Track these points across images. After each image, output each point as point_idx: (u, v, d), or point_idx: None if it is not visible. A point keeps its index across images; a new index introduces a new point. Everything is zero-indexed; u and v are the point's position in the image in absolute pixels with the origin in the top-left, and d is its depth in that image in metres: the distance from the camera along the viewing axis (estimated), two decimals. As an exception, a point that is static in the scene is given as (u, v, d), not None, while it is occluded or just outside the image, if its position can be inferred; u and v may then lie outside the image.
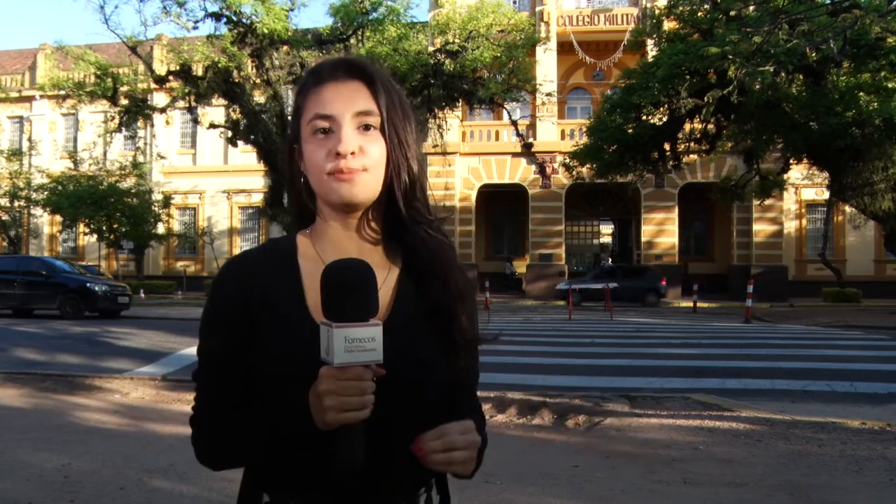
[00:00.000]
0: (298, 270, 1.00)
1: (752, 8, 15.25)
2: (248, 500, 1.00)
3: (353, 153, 0.96)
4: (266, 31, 16.95)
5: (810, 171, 20.41)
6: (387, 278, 1.02)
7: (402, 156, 1.01)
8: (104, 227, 25.40)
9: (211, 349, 1.00)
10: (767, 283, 22.21)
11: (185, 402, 6.01)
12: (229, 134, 19.60)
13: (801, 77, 15.28)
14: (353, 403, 0.84)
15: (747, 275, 21.26)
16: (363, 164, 0.97)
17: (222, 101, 19.81)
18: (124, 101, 19.54)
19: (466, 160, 25.50)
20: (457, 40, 18.34)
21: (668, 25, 18.64)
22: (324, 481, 0.94)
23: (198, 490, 3.65)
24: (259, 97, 18.99)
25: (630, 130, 17.19)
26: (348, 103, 0.98)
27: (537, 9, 25.00)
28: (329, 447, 0.88)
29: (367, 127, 0.98)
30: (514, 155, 25.01)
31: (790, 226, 25.87)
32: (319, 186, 0.99)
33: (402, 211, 1.02)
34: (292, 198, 1.07)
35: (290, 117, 1.07)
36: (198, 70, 18.85)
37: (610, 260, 27.73)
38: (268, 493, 0.98)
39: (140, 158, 27.58)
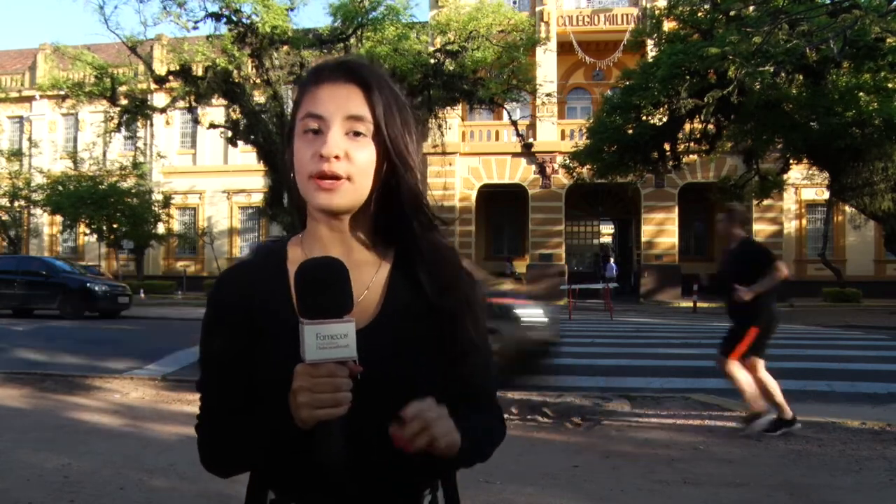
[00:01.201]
0: (287, 276, 1.00)
1: (751, 8, 15.24)
2: (255, 498, 1.01)
3: (336, 157, 0.95)
4: (267, 29, 16.95)
5: (810, 171, 20.40)
6: (375, 277, 1.02)
7: (402, 166, 1.00)
8: (104, 227, 25.40)
9: (213, 353, 1.01)
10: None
11: (185, 402, 6.01)
12: (229, 134, 19.59)
13: (800, 77, 15.28)
14: (327, 400, 0.84)
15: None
16: (347, 170, 0.96)
17: (222, 101, 19.80)
18: (124, 101, 19.54)
19: (466, 160, 25.50)
20: (457, 40, 18.35)
21: (668, 26, 18.64)
22: (323, 483, 0.94)
23: (198, 490, 3.65)
24: (259, 97, 18.99)
25: (630, 131, 17.19)
26: (340, 106, 0.97)
27: (537, 9, 24.99)
28: (311, 448, 0.88)
29: (356, 133, 0.97)
30: (514, 155, 25.00)
31: (790, 226, 25.85)
32: (302, 188, 0.98)
33: (403, 221, 1.01)
34: (290, 193, 1.07)
35: (290, 112, 1.06)
36: (198, 70, 18.84)
37: (612, 259, 27.69)
38: (273, 492, 0.99)
39: (140, 158, 27.57)
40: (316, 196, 0.96)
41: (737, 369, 5.08)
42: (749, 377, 5.08)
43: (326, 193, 0.96)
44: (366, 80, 1.00)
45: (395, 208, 1.01)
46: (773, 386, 5.08)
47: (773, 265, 5.05)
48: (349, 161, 0.96)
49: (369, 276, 1.01)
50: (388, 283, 1.02)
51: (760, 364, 5.11)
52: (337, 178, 0.95)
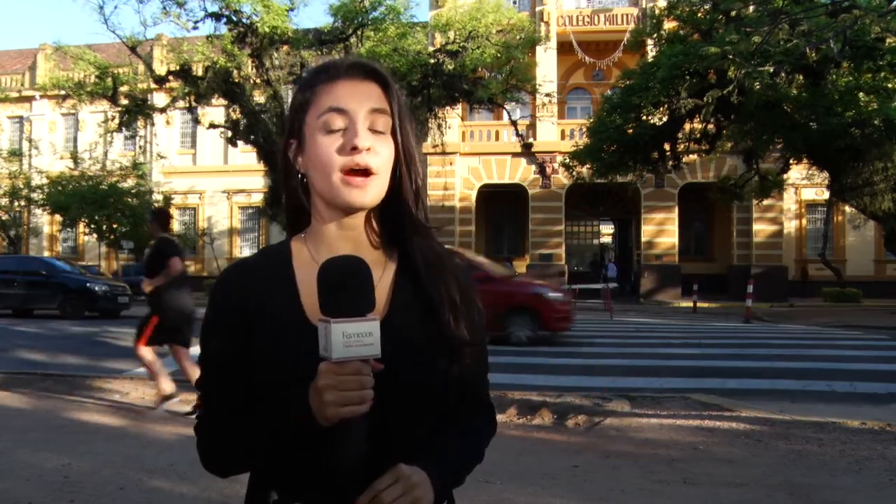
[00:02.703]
0: (294, 277, 1.00)
1: (751, 8, 15.24)
2: (256, 498, 1.01)
3: (367, 149, 0.96)
4: (267, 29, 16.93)
5: (810, 171, 20.37)
6: (382, 276, 1.02)
7: (412, 163, 1.02)
8: (104, 227, 25.40)
9: (212, 354, 1.01)
10: (767, 283, 22.20)
11: (185, 402, 6.00)
12: (229, 134, 19.57)
13: (800, 77, 15.27)
14: (353, 398, 0.85)
15: (747, 275, 21.24)
16: (376, 164, 0.97)
17: (222, 101, 19.77)
18: (124, 101, 19.52)
19: (466, 160, 25.50)
20: (457, 40, 18.34)
21: (668, 26, 18.63)
22: (325, 482, 0.94)
23: (198, 490, 3.65)
24: (259, 97, 18.97)
25: (630, 131, 17.17)
26: (363, 101, 0.98)
27: (537, 9, 24.99)
28: (329, 447, 0.88)
29: (377, 129, 0.99)
30: (514, 155, 25.00)
31: (790, 226, 25.85)
32: (326, 186, 0.98)
33: (405, 217, 1.02)
34: (286, 196, 1.07)
35: (289, 112, 1.05)
36: (198, 70, 18.82)
37: (612, 259, 27.65)
38: (275, 492, 0.99)
39: (140, 158, 27.57)
40: (349, 193, 0.96)
41: (146, 352, 5.72)
42: (156, 360, 5.76)
43: (359, 190, 0.96)
44: (384, 77, 1.02)
45: (399, 207, 1.02)
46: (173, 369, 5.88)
47: (168, 261, 5.69)
48: (376, 154, 0.97)
49: (376, 275, 1.01)
50: (394, 283, 1.03)
51: (181, 351, 5.80)
52: (368, 171, 0.96)
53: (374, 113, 0.98)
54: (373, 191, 0.97)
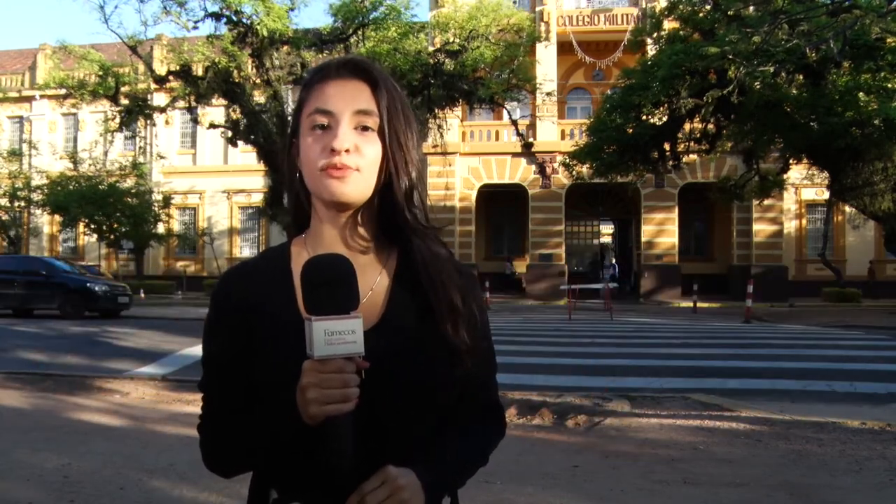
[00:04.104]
0: (291, 278, 1.00)
1: (752, 8, 15.25)
2: (257, 497, 1.02)
3: (347, 150, 0.96)
4: (265, 32, 16.96)
5: (810, 171, 20.38)
6: (380, 278, 1.02)
7: (403, 161, 1.01)
8: (104, 227, 25.39)
9: (212, 355, 1.01)
10: (767, 283, 22.19)
11: (185, 402, 6.01)
12: (229, 134, 19.60)
13: (800, 77, 15.27)
14: (336, 396, 0.85)
15: (747, 275, 21.24)
16: (356, 163, 0.97)
17: (222, 101, 19.80)
18: (125, 101, 19.54)
19: (466, 160, 25.50)
20: (457, 40, 18.35)
21: (668, 25, 18.63)
22: (323, 481, 0.94)
23: (198, 490, 3.65)
24: (259, 97, 18.99)
25: (630, 130, 17.17)
26: (349, 101, 0.98)
27: (537, 9, 24.99)
28: (321, 447, 0.88)
29: (364, 128, 0.98)
30: (514, 155, 25.00)
31: (790, 226, 25.84)
32: (312, 181, 0.99)
33: (399, 217, 1.02)
34: (290, 195, 1.07)
35: (292, 112, 1.06)
36: (198, 70, 18.84)
37: (614, 259, 27.65)
38: (275, 490, 0.99)
39: (140, 158, 27.56)
40: (328, 185, 0.96)
41: None
42: None
43: (338, 181, 0.96)
44: (372, 76, 1.01)
45: (392, 208, 1.02)
46: None
47: None
48: (359, 154, 0.97)
49: (373, 277, 1.02)
50: (391, 285, 1.02)
51: None
52: (347, 168, 0.96)
53: (360, 114, 0.98)
54: (353, 184, 0.97)
